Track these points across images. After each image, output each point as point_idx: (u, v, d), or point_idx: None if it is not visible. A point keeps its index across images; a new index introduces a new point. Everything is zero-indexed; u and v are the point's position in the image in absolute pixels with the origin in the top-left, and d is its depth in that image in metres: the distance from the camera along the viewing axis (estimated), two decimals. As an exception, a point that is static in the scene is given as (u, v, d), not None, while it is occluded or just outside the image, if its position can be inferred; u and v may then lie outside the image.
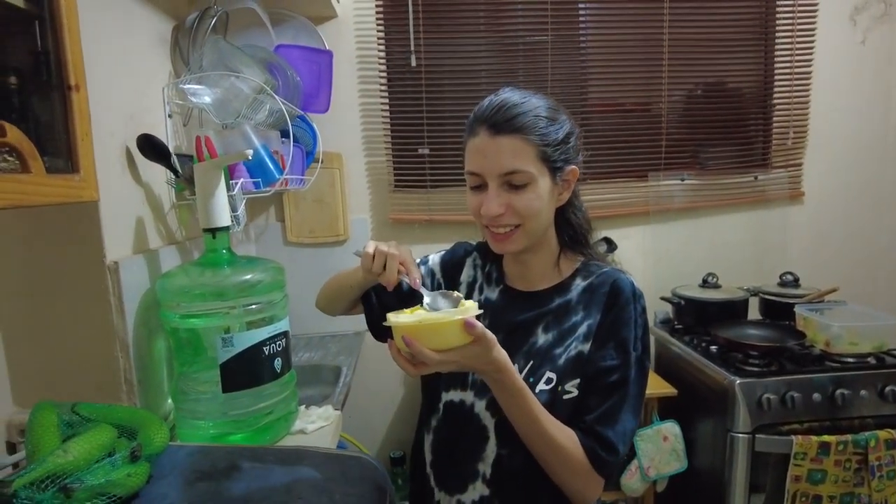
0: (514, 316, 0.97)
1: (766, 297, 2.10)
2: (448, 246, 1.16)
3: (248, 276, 0.96)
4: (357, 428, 2.22)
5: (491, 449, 0.93)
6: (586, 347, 0.92)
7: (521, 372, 0.90)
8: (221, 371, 0.93)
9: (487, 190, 0.89)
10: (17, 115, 0.64)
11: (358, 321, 1.08)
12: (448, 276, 1.09)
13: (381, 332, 1.09)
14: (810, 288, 2.07)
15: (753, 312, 2.12)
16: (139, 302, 1.03)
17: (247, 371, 0.94)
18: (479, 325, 0.76)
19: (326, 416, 1.10)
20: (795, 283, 2.11)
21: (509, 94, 0.90)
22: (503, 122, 0.87)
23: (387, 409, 2.31)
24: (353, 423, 2.23)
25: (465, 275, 1.08)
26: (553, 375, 0.91)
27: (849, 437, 1.60)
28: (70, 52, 0.67)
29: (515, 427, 0.87)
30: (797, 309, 1.89)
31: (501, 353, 0.81)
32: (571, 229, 1.01)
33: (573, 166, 0.94)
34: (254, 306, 0.96)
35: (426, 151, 2.14)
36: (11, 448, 0.92)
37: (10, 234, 0.95)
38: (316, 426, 1.06)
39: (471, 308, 0.78)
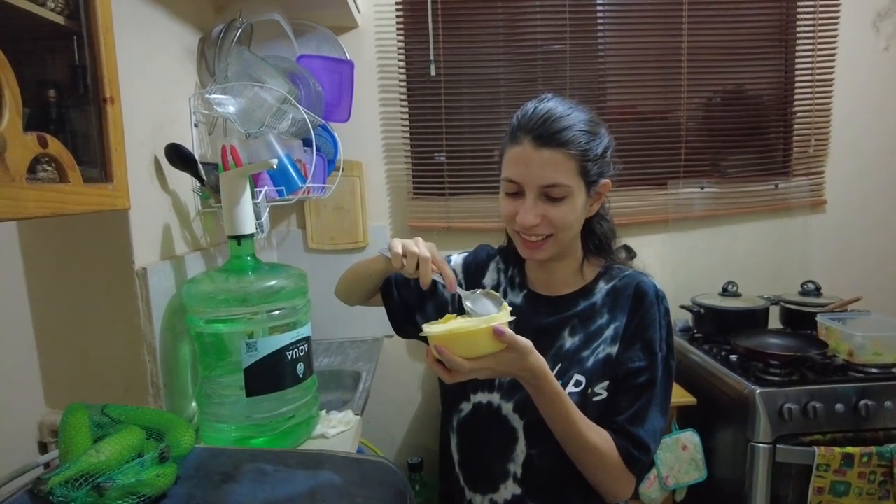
0: (539, 320, 0.99)
1: (788, 305, 2.08)
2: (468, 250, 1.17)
3: (272, 283, 0.98)
4: (376, 433, 2.24)
5: (521, 449, 0.95)
6: (614, 350, 0.93)
7: None
8: (245, 375, 0.95)
9: (524, 198, 0.90)
10: (56, 127, 0.67)
11: (377, 328, 1.10)
12: (470, 279, 1.10)
13: (402, 327, 1.11)
14: (832, 297, 2.04)
15: (774, 321, 2.09)
16: (166, 307, 1.06)
17: (270, 375, 0.96)
18: (509, 332, 0.77)
19: (347, 421, 1.11)
20: (817, 291, 2.08)
21: (554, 105, 0.90)
22: (548, 136, 0.87)
23: (405, 415, 2.33)
24: (371, 429, 2.24)
25: (489, 278, 1.09)
26: (582, 378, 0.92)
27: (873, 448, 1.57)
28: (106, 66, 0.69)
29: (553, 430, 0.88)
30: (819, 318, 1.87)
31: (539, 360, 0.82)
32: (597, 238, 1.02)
33: (607, 180, 0.96)
34: (277, 312, 0.98)
35: (444, 158, 2.16)
36: (43, 448, 0.95)
37: (44, 240, 0.98)
38: (336, 431, 1.08)
39: (501, 315, 0.79)
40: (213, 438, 0.99)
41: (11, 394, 0.93)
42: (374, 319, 2.19)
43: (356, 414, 1.15)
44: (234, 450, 0.84)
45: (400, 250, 0.90)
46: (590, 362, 0.93)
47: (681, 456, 1.86)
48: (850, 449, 1.58)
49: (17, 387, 0.94)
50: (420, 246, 0.90)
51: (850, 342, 1.75)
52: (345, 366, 1.88)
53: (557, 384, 0.85)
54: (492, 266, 1.10)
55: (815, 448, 1.59)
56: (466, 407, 1.00)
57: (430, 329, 0.80)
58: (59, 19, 0.65)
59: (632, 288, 0.96)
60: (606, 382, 0.92)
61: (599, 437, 0.87)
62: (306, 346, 1.03)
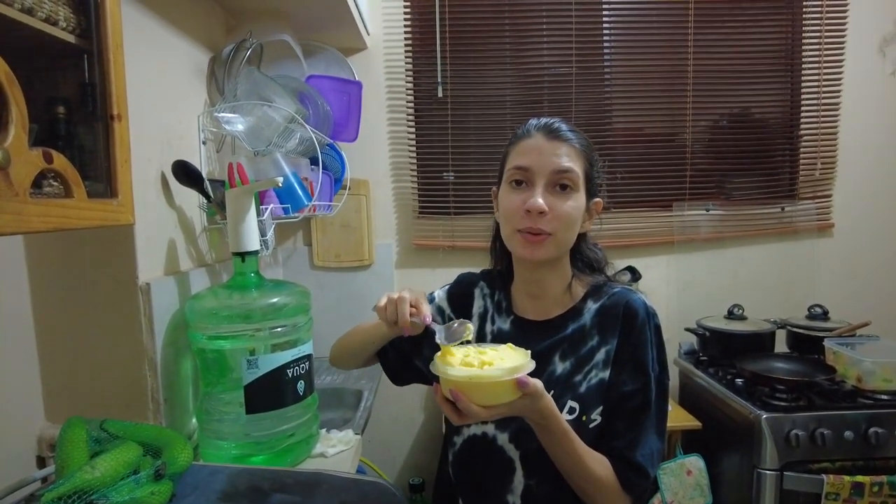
0: (528, 346, 0.96)
1: (794, 329, 2.06)
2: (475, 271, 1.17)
3: (275, 300, 0.98)
4: (377, 453, 2.22)
5: (519, 480, 0.93)
6: (606, 374, 0.92)
7: None
8: (246, 392, 0.94)
9: (531, 189, 0.91)
10: (64, 143, 0.68)
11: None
12: (458, 309, 1.09)
13: (399, 378, 1.12)
14: (840, 321, 2.02)
15: (780, 345, 2.07)
16: (168, 322, 1.06)
17: (270, 393, 0.96)
18: (532, 382, 0.76)
19: (347, 441, 1.10)
20: (824, 316, 2.06)
21: (559, 120, 0.97)
22: (561, 132, 0.93)
23: (407, 435, 2.31)
24: (372, 449, 2.22)
25: (477, 305, 1.08)
26: (576, 405, 0.91)
27: (884, 478, 1.54)
28: (115, 84, 0.70)
29: (558, 465, 0.87)
30: (827, 343, 1.84)
31: (549, 401, 0.81)
32: (589, 260, 1.03)
33: (600, 199, 0.98)
34: (279, 329, 0.98)
35: (451, 177, 2.17)
36: (41, 462, 0.95)
37: (49, 254, 0.99)
38: (336, 450, 1.07)
39: (524, 364, 0.78)
40: (213, 455, 0.99)
41: (11, 407, 0.92)
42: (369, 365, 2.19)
43: (357, 433, 1.14)
44: (232, 468, 0.83)
45: (383, 303, 0.90)
46: (583, 388, 0.92)
47: (685, 481, 1.83)
48: (860, 478, 1.54)
49: (17, 400, 0.94)
50: (399, 293, 0.90)
51: (859, 367, 1.72)
52: (346, 384, 1.86)
53: (564, 422, 0.84)
54: (476, 293, 1.09)
55: (824, 476, 1.56)
56: (459, 440, 1.00)
57: (447, 371, 0.77)
58: (70, 38, 0.67)
59: (621, 307, 0.95)
60: (601, 408, 0.91)
61: (601, 467, 0.87)
62: (308, 363, 1.02)
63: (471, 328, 0.82)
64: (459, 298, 1.10)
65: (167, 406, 1.03)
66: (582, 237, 1.00)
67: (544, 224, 0.90)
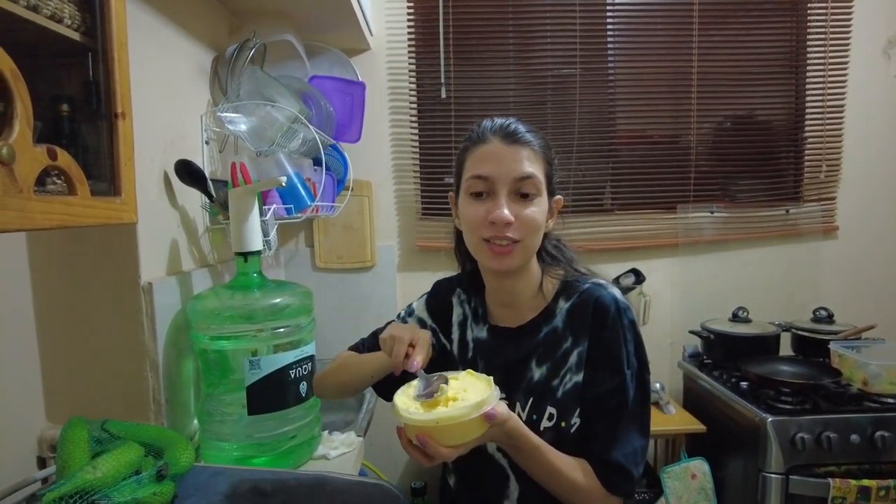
0: (506, 355, 0.95)
1: (799, 332, 2.04)
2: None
3: (277, 300, 0.98)
4: (379, 456, 2.21)
5: (513, 486, 0.93)
6: (580, 377, 0.90)
7: (523, 409, 0.91)
8: (248, 393, 0.94)
9: (492, 199, 0.88)
10: (68, 141, 0.68)
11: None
12: (439, 320, 1.06)
13: (389, 394, 1.08)
14: (845, 324, 2.00)
15: (785, 348, 2.06)
16: (170, 322, 1.05)
17: (272, 394, 0.96)
18: (499, 412, 0.74)
19: (349, 443, 1.10)
20: (830, 318, 2.05)
21: (513, 119, 0.93)
22: (518, 134, 0.89)
23: (409, 438, 2.29)
24: (374, 451, 2.21)
25: (456, 314, 1.05)
26: (554, 411, 0.90)
27: (891, 482, 1.53)
28: (119, 82, 0.70)
29: (536, 479, 0.86)
30: (832, 346, 1.83)
31: (515, 422, 0.79)
32: (552, 257, 1.00)
33: (559, 196, 0.96)
34: (281, 330, 0.97)
35: (452, 180, 2.16)
36: (42, 463, 0.94)
37: (52, 252, 0.98)
38: (338, 452, 1.06)
39: (490, 397, 0.73)
40: (214, 457, 0.98)
41: (12, 407, 0.92)
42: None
43: (359, 435, 1.14)
44: (234, 469, 0.82)
45: (386, 336, 0.87)
46: (559, 393, 0.90)
47: (690, 485, 1.82)
48: (866, 482, 1.53)
49: (18, 400, 0.94)
50: (406, 331, 0.86)
51: (865, 371, 1.71)
52: (349, 386, 1.86)
53: (534, 438, 0.82)
54: (454, 301, 1.07)
55: (830, 480, 1.54)
56: None
57: (410, 416, 0.72)
58: (76, 36, 0.66)
59: (591, 306, 0.92)
60: (578, 410, 0.89)
61: (581, 474, 0.85)
62: (310, 364, 1.02)
63: (445, 388, 0.77)
64: (438, 307, 1.07)
65: (168, 407, 1.03)
66: (545, 237, 0.97)
67: (511, 232, 0.87)
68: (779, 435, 1.59)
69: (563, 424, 0.89)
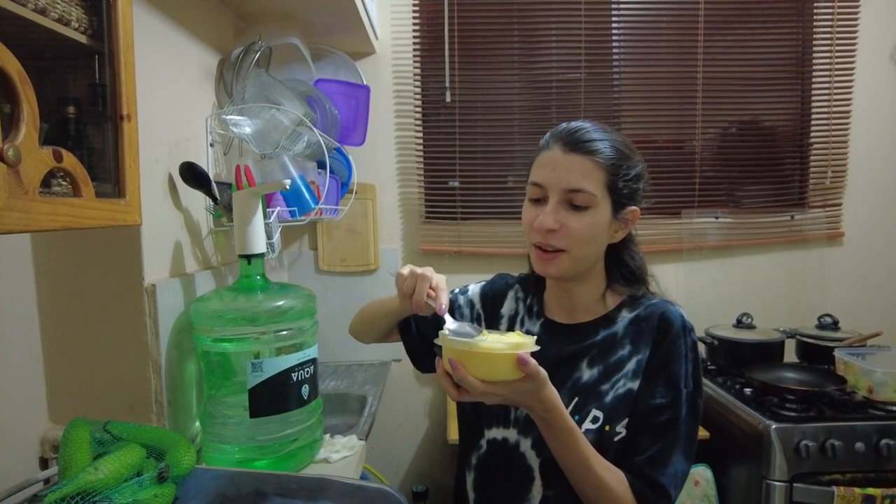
0: (557, 350, 0.94)
1: (804, 339, 2.03)
2: (482, 277, 1.16)
3: (280, 303, 0.98)
4: (380, 460, 2.21)
5: (537, 490, 0.90)
6: (635, 385, 0.89)
7: (566, 408, 0.87)
8: (250, 396, 0.94)
9: (546, 204, 0.88)
10: (74, 143, 0.68)
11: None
12: (488, 308, 1.07)
13: (422, 363, 1.08)
14: (851, 331, 1.99)
15: (790, 355, 2.05)
16: (173, 324, 1.05)
17: (274, 396, 0.96)
18: (533, 362, 0.73)
19: (351, 446, 1.10)
20: (835, 325, 2.04)
21: (589, 124, 0.91)
22: (579, 142, 0.88)
23: (411, 442, 2.29)
24: (376, 455, 2.21)
25: (507, 307, 1.06)
26: (600, 414, 0.88)
27: None
28: (125, 85, 0.70)
29: (562, 467, 0.84)
30: (837, 353, 1.82)
31: (552, 392, 0.78)
32: (629, 271, 0.98)
33: (635, 207, 0.93)
34: (284, 332, 0.97)
35: (456, 184, 2.17)
36: (44, 463, 0.94)
37: (56, 254, 0.99)
38: (340, 456, 1.06)
39: (527, 343, 0.75)
40: (216, 459, 0.98)
41: (15, 408, 0.92)
42: (382, 343, 2.19)
43: (361, 439, 1.14)
44: (235, 472, 0.82)
45: (406, 272, 0.86)
46: (609, 397, 0.89)
47: (693, 492, 1.81)
48: (871, 490, 1.52)
49: (21, 401, 0.94)
50: (426, 271, 0.86)
51: (870, 378, 1.70)
52: (351, 389, 1.86)
53: (570, 419, 0.80)
54: (510, 295, 1.07)
55: (835, 488, 1.53)
56: (483, 444, 0.97)
57: (446, 340, 0.75)
58: (82, 38, 0.67)
59: (656, 318, 0.92)
60: (626, 420, 0.88)
61: (613, 478, 0.83)
62: (312, 367, 1.02)
63: (528, 340, 0.77)
64: (492, 297, 1.08)
65: (171, 408, 1.03)
66: (621, 246, 0.97)
67: (556, 241, 0.87)
68: (783, 442, 1.58)
69: (607, 428, 0.87)
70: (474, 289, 1.11)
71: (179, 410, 1.07)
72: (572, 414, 0.88)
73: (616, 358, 0.91)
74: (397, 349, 1.12)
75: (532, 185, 0.91)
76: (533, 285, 1.05)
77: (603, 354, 0.92)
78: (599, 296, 0.97)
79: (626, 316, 0.94)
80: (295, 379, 0.97)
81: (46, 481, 0.83)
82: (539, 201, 0.90)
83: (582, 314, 0.97)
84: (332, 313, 2.12)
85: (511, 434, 0.93)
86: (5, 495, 0.76)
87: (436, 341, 0.77)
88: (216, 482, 0.78)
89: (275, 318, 0.96)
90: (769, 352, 1.97)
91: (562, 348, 0.94)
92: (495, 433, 0.95)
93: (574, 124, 0.91)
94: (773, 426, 1.60)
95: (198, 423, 1.09)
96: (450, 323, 0.81)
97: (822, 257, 2.29)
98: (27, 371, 0.96)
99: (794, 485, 1.58)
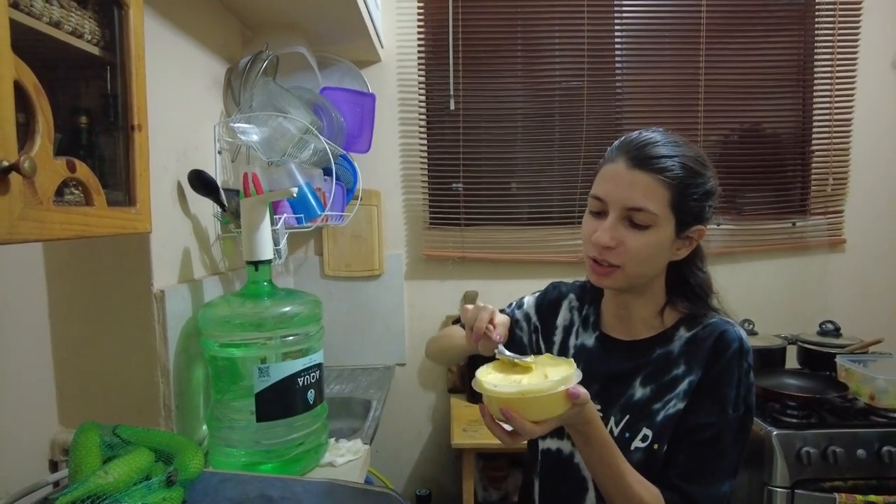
0: (610, 367, 0.92)
1: (806, 346, 2.03)
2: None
3: (287, 309, 0.99)
4: (385, 463, 2.21)
5: (591, 500, 0.90)
6: (685, 404, 0.87)
7: (617, 425, 0.88)
8: (257, 400, 0.95)
9: (605, 218, 0.85)
10: (85, 152, 0.70)
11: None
12: (544, 319, 1.05)
13: None
14: (852, 338, 2.00)
15: (791, 362, 2.05)
16: (181, 330, 1.07)
17: (281, 401, 0.97)
18: (584, 392, 0.72)
19: (355, 450, 1.11)
20: (836, 332, 2.04)
21: (659, 135, 0.87)
22: (646, 158, 0.83)
23: (415, 446, 2.30)
24: (380, 459, 2.22)
25: (562, 318, 1.04)
26: (650, 433, 0.86)
27: (897, 498, 1.52)
28: (136, 95, 0.72)
29: (596, 479, 0.82)
30: (839, 359, 1.82)
31: (591, 407, 0.77)
32: (690, 290, 0.95)
33: (702, 226, 0.89)
34: (290, 338, 0.98)
35: (460, 187, 2.18)
36: (54, 466, 0.96)
37: (67, 261, 1.00)
38: (345, 459, 1.07)
39: (572, 374, 0.74)
40: (223, 463, 0.99)
41: (26, 411, 0.94)
42: (387, 348, 2.20)
43: (365, 443, 1.15)
44: (242, 475, 0.84)
45: (470, 307, 0.87)
46: (660, 416, 0.87)
47: (696, 498, 1.81)
48: (872, 497, 1.52)
49: (31, 404, 0.96)
50: (486, 304, 0.87)
51: (872, 385, 1.70)
52: (356, 393, 1.87)
53: (606, 432, 0.79)
54: (564, 305, 1.05)
55: (836, 495, 1.54)
56: (539, 454, 0.97)
57: (493, 387, 0.72)
58: (95, 50, 0.68)
59: (713, 339, 0.88)
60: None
61: (649, 494, 0.81)
62: (318, 372, 1.03)
63: (567, 368, 0.76)
64: (547, 308, 1.06)
65: (178, 413, 1.04)
66: (684, 263, 0.92)
67: (611, 257, 0.85)
68: (784, 449, 1.59)
69: (656, 447, 0.85)
70: (529, 301, 1.09)
71: (187, 414, 1.08)
72: (623, 431, 0.88)
73: (669, 377, 0.89)
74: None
75: (593, 197, 0.88)
76: (592, 293, 1.03)
77: (656, 373, 0.90)
78: (657, 311, 0.94)
79: (683, 335, 0.91)
80: (301, 384, 0.99)
81: (56, 484, 0.84)
82: (599, 214, 0.87)
83: (639, 328, 0.95)
84: (337, 318, 2.14)
85: (564, 445, 0.93)
86: (16, 498, 0.78)
87: (474, 387, 0.76)
88: (224, 486, 0.79)
89: (281, 324, 0.98)
90: (771, 358, 1.97)
91: (616, 365, 0.93)
92: (549, 443, 0.95)
93: (644, 136, 0.86)
94: (775, 433, 1.60)
95: (205, 427, 1.10)
96: (500, 353, 0.81)
97: (823, 264, 2.30)
98: (38, 375, 0.98)
99: (796, 491, 1.58)
